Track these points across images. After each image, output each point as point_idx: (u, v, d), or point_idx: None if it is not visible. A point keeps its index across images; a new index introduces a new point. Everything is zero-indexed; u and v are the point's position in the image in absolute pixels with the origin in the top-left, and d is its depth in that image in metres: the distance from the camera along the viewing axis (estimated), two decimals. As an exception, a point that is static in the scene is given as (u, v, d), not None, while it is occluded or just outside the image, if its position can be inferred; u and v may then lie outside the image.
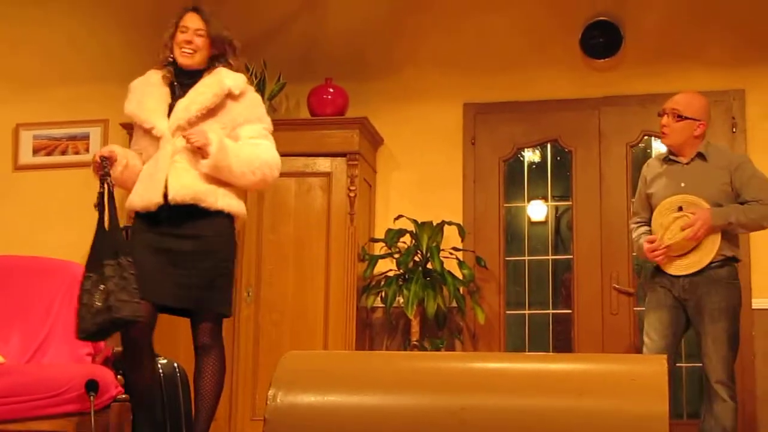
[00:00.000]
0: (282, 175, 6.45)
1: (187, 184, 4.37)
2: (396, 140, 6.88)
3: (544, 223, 6.86)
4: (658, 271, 5.09)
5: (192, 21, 4.56)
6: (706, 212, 4.87)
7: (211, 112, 4.47)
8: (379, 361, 3.12)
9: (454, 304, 6.39)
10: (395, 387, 2.77)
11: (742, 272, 6.17)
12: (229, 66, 4.60)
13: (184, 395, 4.82)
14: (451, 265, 6.43)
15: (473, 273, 6.44)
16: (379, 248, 6.59)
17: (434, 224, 6.48)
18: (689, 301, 4.97)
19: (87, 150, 7.09)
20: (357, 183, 6.42)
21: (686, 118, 5.07)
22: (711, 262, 4.96)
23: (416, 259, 6.45)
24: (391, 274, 6.46)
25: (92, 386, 4.40)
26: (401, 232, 6.49)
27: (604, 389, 2.58)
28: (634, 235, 5.28)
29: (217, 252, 4.43)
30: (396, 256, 6.46)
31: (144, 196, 4.40)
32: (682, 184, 5.04)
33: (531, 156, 6.90)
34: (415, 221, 6.51)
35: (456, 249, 6.48)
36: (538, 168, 6.87)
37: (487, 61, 6.81)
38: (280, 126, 6.61)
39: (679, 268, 4.97)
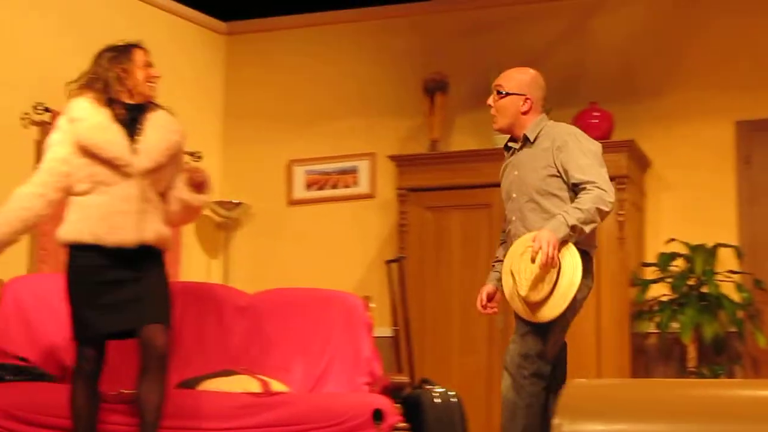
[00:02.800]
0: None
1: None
2: (664, 162, 6.71)
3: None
4: None
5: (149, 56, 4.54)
6: (542, 231, 4.27)
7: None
8: (663, 389, 3.04)
9: (733, 328, 6.17)
10: (681, 415, 2.69)
11: None
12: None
13: (460, 426, 4.82)
14: (727, 289, 6.22)
15: (752, 296, 6.20)
16: (650, 273, 6.44)
17: (708, 247, 6.29)
18: None
19: (356, 183, 7.33)
20: (626, 207, 6.30)
21: (509, 93, 4.52)
22: None
23: (690, 282, 6.27)
24: (664, 298, 6.31)
25: (379, 415, 4.49)
26: (673, 256, 6.34)
27: None
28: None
29: None
30: (668, 280, 6.30)
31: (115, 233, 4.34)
32: (516, 173, 4.53)
33: (812, 173, 6.55)
34: (687, 244, 6.34)
35: (732, 272, 6.26)
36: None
37: (761, 76, 6.54)
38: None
39: (558, 303, 4.34)
